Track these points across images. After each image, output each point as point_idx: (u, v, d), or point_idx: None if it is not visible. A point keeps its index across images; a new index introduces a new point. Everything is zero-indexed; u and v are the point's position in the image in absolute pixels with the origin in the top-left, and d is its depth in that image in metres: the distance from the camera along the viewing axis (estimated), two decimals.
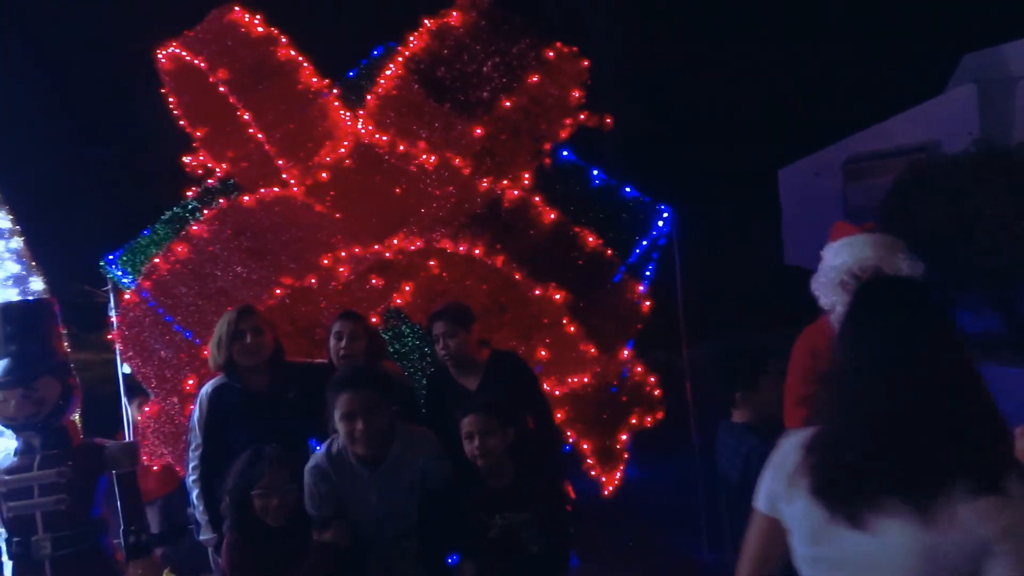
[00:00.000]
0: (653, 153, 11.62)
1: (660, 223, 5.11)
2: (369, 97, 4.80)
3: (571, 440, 4.69)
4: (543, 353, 4.40)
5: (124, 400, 5.21)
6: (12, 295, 4.86)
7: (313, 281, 4.32)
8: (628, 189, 5.23)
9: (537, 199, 4.59)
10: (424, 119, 4.68)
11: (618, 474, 4.83)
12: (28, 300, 4.27)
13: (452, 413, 3.23)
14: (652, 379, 4.93)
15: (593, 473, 4.73)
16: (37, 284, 5.08)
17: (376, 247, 4.56)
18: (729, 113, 13.10)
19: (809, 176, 8.24)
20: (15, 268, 5.04)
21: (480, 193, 4.47)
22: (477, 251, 4.19)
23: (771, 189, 8.76)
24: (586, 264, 4.39)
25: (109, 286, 5.20)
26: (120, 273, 5.02)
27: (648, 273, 5.26)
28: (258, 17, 4.73)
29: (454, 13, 4.77)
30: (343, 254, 4.39)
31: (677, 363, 5.50)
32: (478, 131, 4.63)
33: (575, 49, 5.04)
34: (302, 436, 3.68)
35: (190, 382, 4.00)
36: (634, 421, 4.81)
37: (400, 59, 4.73)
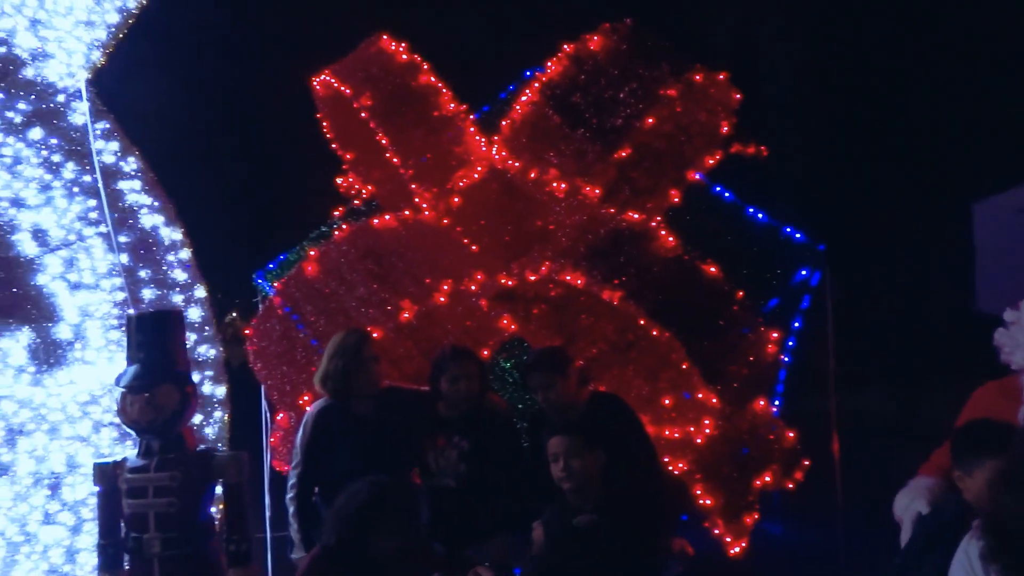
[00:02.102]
0: (817, 186, 10.79)
1: (811, 263, 4.66)
2: (504, 123, 4.78)
3: (694, 494, 4.34)
4: (667, 402, 4.12)
5: (264, 405, 5.50)
6: (178, 300, 5.31)
7: (434, 305, 4.33)
8: (778, 225, 4.82)
9: (666, 232, 4.33)
10: (557, 146, 4.58)
11: (747, 535, 4.42)
12: (159, 311, 4.60)
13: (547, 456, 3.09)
14: (791, 435, 4.47)
15: (716, 532, 4.35)
16: (200, 292, 5.50)
17: (501, 274, 4.50)
18: (913, 142, 11.81)
19: (1010, 213, 7.27)
20: (183, 276, 5.50)
21: (605, 223, 4.29)
22: (595, 285, 4.00)
23: (960, 226, 7.82)
24: (717, 305, 4.07)
25: (260, 299, 5.53)
26: (269, 287, 5.32)
27: (797, 317, 4.82)
28: (403, 45, 4.86)
29: (595, 38, 4.65)
30: (466, 280, 4.36)
31: (824, 417, 4.97)
32: (623, 153, 4.48)
33: (725, 74, 4.74)
34: (403, 462, 3.67)
35: (306, 398, 4.13)
36: (767, 480, 4.37)
37: (536, 85, 4.67)
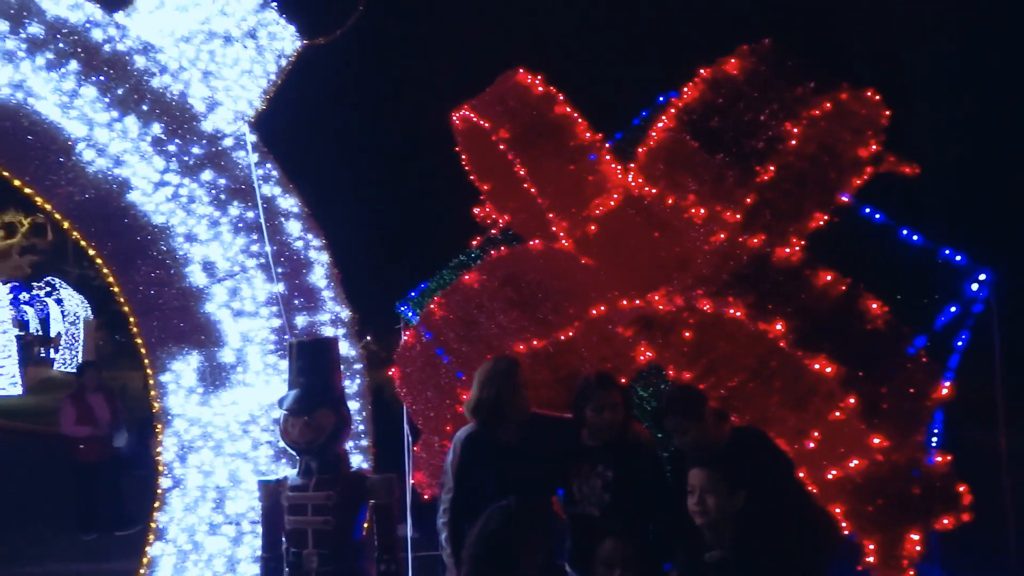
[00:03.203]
0: (977, 206, 10.00)
1: (975, 287, 4.34)
2: (640, 149, 4.78)
3: (846, 534, 4.11)
4: (816, 435, 3.94)
5: (406, 429, 5.70)
6: (329, 331, 5.61)
7: (572, 334, 4.36)
8: (935, 247, 4.53)
9: (814, 257, 4.16)
10: (695, 171, 4.53)
11: None
12: (316, 338, 4.86)
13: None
14: (955, 473, 4.16)
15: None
16: (347, 318, 5.78)
17: (638, 301, 4.48)
18: None
19: None
20: (331, 305, 5.81)
21: (748, 249, 4.18)
22: (738, 312, 3.90)
23: None
24: (871, 333, 3.86)
25: (402, 325, 5.76)
26: (411, 315, 5.54)
27: (959, 345, 4.49)
28: (539, 78, 4.97)
29: (732, 60, 4.58)
30: (603, 308, 4.37)
31: (993, 453, 4.59)
32: (764, 176, 4.36)
33: (872, 92, 4.53)
34: (547, 489, 3.70)
35: (449, 424, 4.25)
36: (929, 521, 4.08)
37: (672, 110, 4.65)
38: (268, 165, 5.33)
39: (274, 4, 5.46)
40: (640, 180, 4.72)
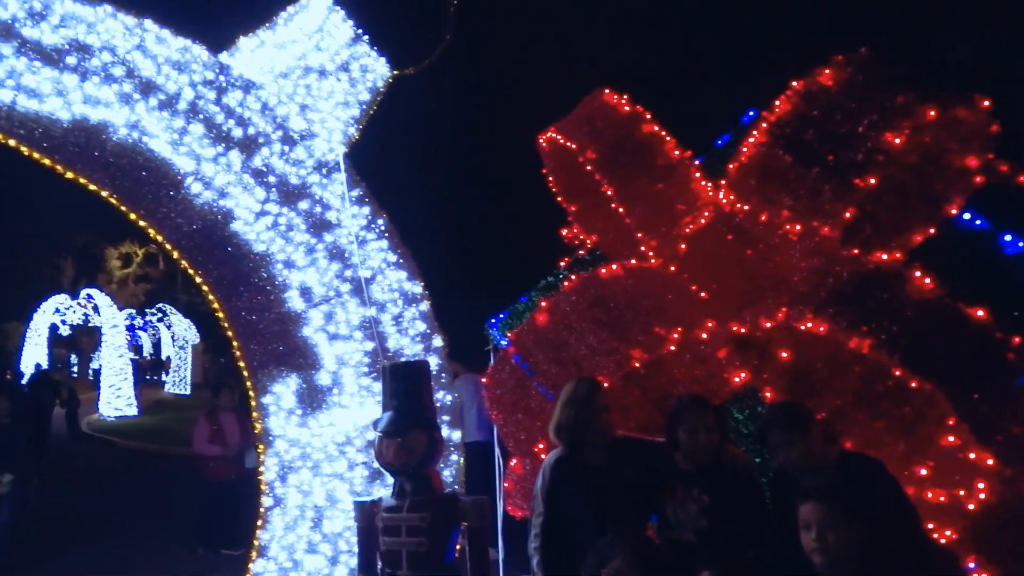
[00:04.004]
0: None
1: None
2: (731, 166, 4.67)
3: (967, 568, 3.84)
4: (928, 461, 3.71)
5: (497, 451, 5.71)
6: (418, 351, 5.71)
7: (664, 354, 4.28)
8: None
9: (921, 271, 3.95)
10: (789, 186, 4.38)
11: None
12: (408, 361, 4.94)
13: (794, 520, 2.89)
14: None
15: None
16: (438, 341, 5.88)
17: (732, 321, 4.36)
18: None
19: None
20: (422, 327, 5.92)
21: (848, 265, 4.01)
22: (838, 332, 3.73)
23: None
24: (984, 352, 3.62)
25: (491, 347, 5.79)
26: (499, 336, 5.56)
27: None
28: (624, 97, 4.95)
29: (826, 71, 4.43)
30: (695, 328, 4.27)
31: None
32: (865, 188, 4.18)
33: (979, 97, 4.29)
34: (636, 514, 3.62)
35: (541, 446, 4.22)
36: None
37: (764, 125, 4.52)
38: (360, 192, 5.50)
39: (365, 37, 5.65)
40: (731, 197, 4.60)
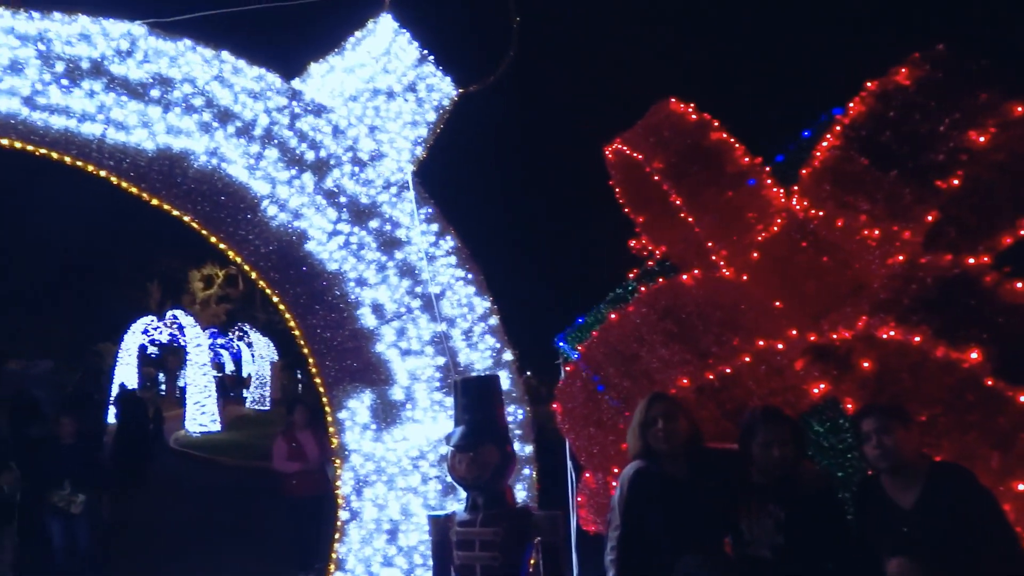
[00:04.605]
0: None
1: None
2: (804, 171, 4.55)
3: None
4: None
5: (570, 465, 5.67)
6: (489, 365, 5.74)
7: (738, 366, 4.18)
8: None
9: (1011, 276, 3.76)
10: (866, 190, 4.24)
11: None
12: (479, 376, 4.96)
13: (879, 532, 2.77)
14: None
15: None
16: (508, 356, 5.90)
17: (809, 331, 4.23)
18: None
19: None
20: (492, 342, 5.95)
21: (932, 270, 3.84)
22: (924, 340, 3.58)
23: None
24: None
25: (561, 360, 5.78)
26: (569, 349, 5.54)
27: None
28: (691, 106, 4.89)
29: (903, 70, 4.28)
30: (770, 338, 4.16)
31: None
32: (947, 190, 4.02)
33: None
34: (716, 527, 3.54)
35: (613, 460, 4.18)
36: None
37: (838, 128, 4.40)
38: (429, 209, 5.59)
39: (431, 58, 5.76)
40: (805, 203, 4.48)
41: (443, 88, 5.86)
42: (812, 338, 4.19)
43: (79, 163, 5.17)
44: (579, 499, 4.76)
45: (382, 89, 5.69)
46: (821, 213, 4.37)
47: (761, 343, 4.20)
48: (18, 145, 5.00)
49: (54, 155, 5.12)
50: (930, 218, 4.10)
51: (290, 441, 8.55)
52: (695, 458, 3.60)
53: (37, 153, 5.09)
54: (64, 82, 4.85)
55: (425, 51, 5.80)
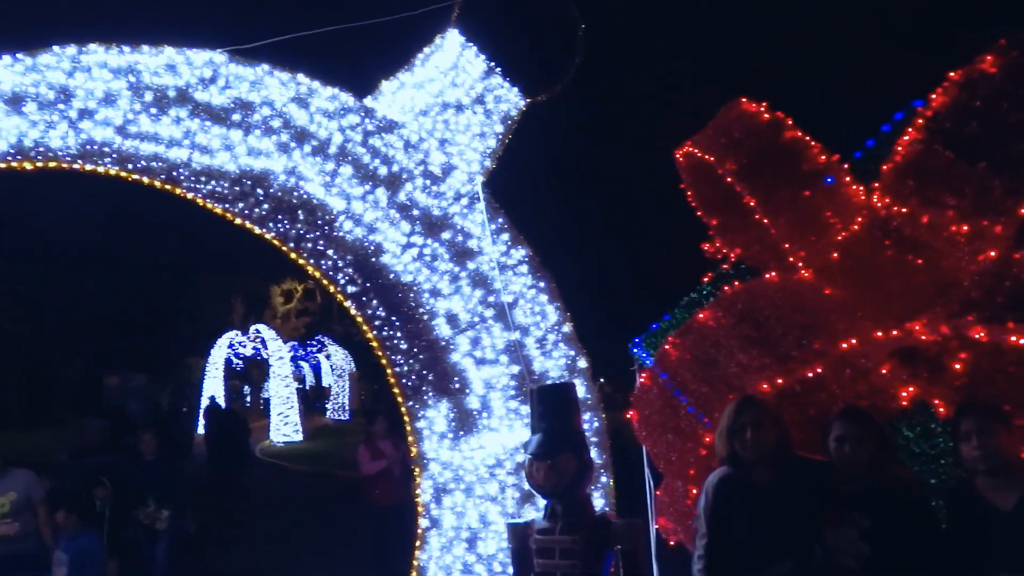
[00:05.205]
0: None
1: None
2: (885, 167, 4.40)
3: None
4: None
5: (647, 472, 5.61)
6: (563, 373, 5.74)
7: (820, 370, 4.06)
8: None
9: None
10: (952, 184, 4.07)
11: None
12: (555, 383, 4.96)
13: (978, 535, 2.65)
14: None
15: None
16: (582, 363, 5.89)
17: (895, 332, 4.08)
18: None
19: None
20: (566, 349, 5.95)
21: None
22: (1021, 340, 3.40)
23: None
24: None
25: (636, 367, 5.73)
26: (644, 356, 5.50)
27: None
28: (763, 105, 4.79)
29: (988, 57, 4.09)
30: (853, 341, 4.03)
31: None
32: None
33: None
34: (803, 536, 3.45)
35: (693, 467, 4.11)
36: None
37: (920, 121, 4.24)
38: (500, 219, 5.64)
39: (498, 69, 5.82)
40: (887, 200, 4.33)
41: (510, 99, 5.91)
42: (899, 340, 4.04)
43: (167, 187, 5.43)
44: (658, 508, 4.70)
45: (451, 103, 5.78)
46: (905, 210, 4.22)
47: (844, 346, 4.08)
48: (113, 172, 5.29)
49: (144, 180, 5.40)
50: (1023, 211, 3.91)
51: (371, 448, 8.81)
52: (783, 466, 3.52)
53: (129, 179, 5.37)
54: (153, 111, 5.11)
55: (492, 63, 5.87)
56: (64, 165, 5.10)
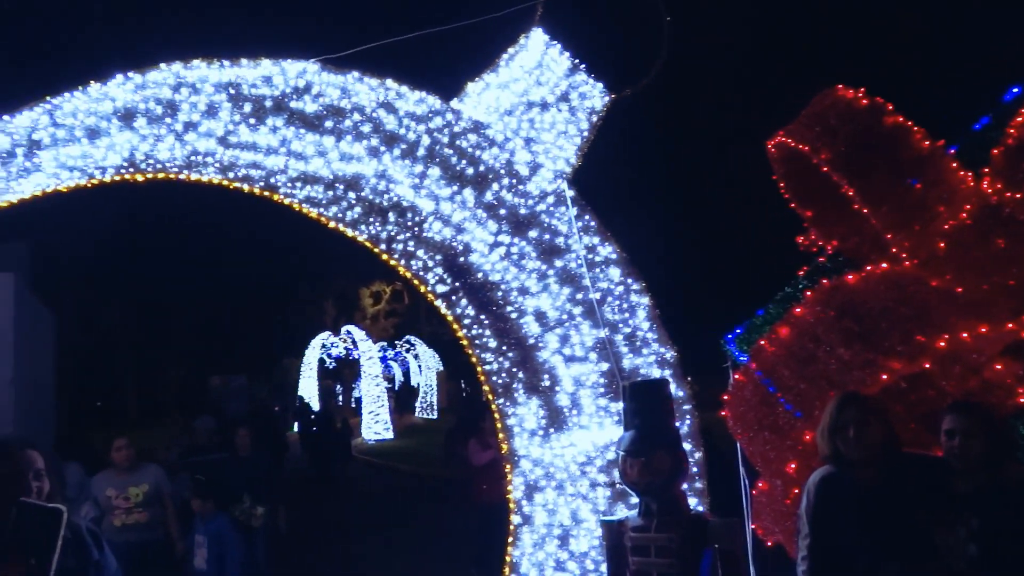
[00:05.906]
0: None
1: None
2: (995, 152, 4.16)
3: None
4: None
5: (742, 471, 5.48)
6: (653, 369, 5.67)
7: (927, 366, 3.88)
8: None
9: None
10: None
11: None
12: (649, 380, 4.90)
13: None
14: None
15: None
16: (672, 359, 5.79)
17: (1009, 325, 3.86)
18: None
19: None
20: (656, 346, 5.87)
21: None
22: None
23: None
24: None
25: (728, 364, 5.60)
26: (737, 353, 5.37)
27: None
28: (861, 91, 4.61)
29: None
30: (964, 335, 3.83)
31: None
32: None
33: None
34: (914, 539, 3.30)
35: (792, 466, 4.00)
36: None
37: None
38: (586, 217, 5.62)
39: (583, 66, 5.80)
40: (998, 186, 4.10)
41: (595, 96, 5.89)
42: (1014, 333, 3.82)
43: (265, 194, 5.66)
44: (755, 507, 4.59)
45: (536, 101, 5.80)
46: (1018, 196, 3.98)
47: (942, 342, 3.88)
48: (215, 180, 5.56)
49: (244, 188, 5.65)
50: None
51: (482, 440, 9.00)
52: (890, 464, 3.38)
53: (231, 187, 5.63)
54: (251, 121, 5.33)
55: (576, 60, 5.85)
56: (171, 176, 5.38)
